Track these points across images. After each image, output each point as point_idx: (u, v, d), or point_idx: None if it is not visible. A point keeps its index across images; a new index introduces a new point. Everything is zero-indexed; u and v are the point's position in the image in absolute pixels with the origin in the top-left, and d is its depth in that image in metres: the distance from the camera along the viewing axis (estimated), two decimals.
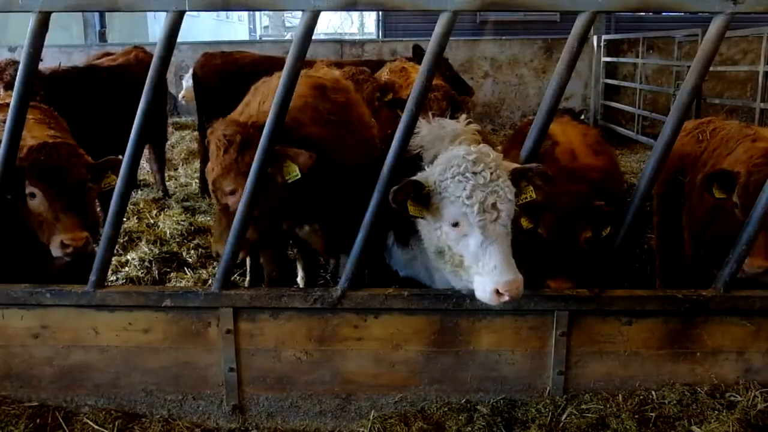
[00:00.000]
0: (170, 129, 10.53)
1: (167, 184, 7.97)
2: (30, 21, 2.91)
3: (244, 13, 35.68)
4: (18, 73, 3.01)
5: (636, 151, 10.60)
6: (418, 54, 8.11)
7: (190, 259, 5.52)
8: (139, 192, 7.71)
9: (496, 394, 3.26)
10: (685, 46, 10.48)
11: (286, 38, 28.49)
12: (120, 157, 3.37)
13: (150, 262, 5.37)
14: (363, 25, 39.18)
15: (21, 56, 3.00)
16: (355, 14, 37.03)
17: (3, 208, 3.29)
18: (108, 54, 7.73)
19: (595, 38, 12.44)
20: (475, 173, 2.76)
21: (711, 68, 3.11)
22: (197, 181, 8.09)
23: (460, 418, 3.14)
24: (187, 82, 9.86)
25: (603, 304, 3.17)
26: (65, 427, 3.17)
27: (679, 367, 3.26)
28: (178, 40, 3.00)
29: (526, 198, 2.98)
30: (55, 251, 3.31)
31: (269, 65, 5.84)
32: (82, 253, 3.29)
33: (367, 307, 3.18)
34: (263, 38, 32.52)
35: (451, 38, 2.92)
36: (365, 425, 3.17)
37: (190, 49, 12.23)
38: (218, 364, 3.27)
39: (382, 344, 3.23)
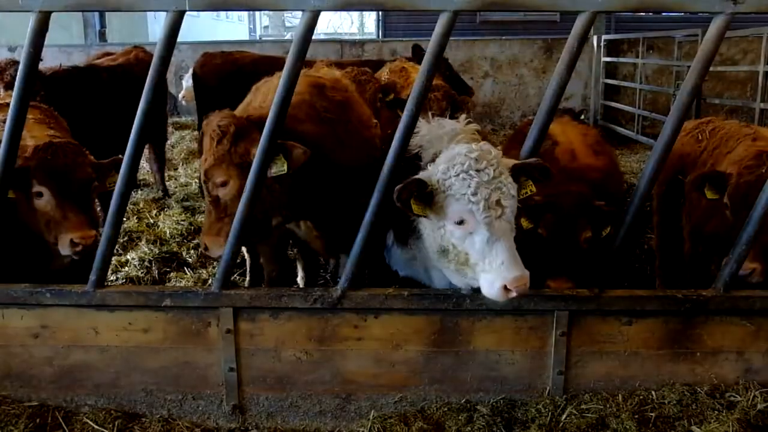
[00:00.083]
0: (170, 129, 10.54)
1: (167, 183, 7.96)
2: (30, 21, 2.91)
3: (244, 13, 35.73)
4: (18, 73, 3.00)
5: (636, 151, 10.60)
6: (417, 54, 8.11)
7: (190, 259, 5.53)
8: (139, 192, 7.71)
9: (496, 394, 3.26)
10: (685, 46, 10.48)
11: (286, 38, 28.50)
12: (120, 157, 3.38)
13: (150, 262, 5.37)
14: (363, 25, 39.20)
15: (21, 56, 3.00)
16: (355, 14, 37.04)
17: (3, 207, 3.29)
18: (108, 54, 7.73)
19: (595, 38, 12.44)
20: (478, 170, 2.77)
21: (711, 68, 3.11)
22: (197, 181, 8.07)
23: (460, 418, 3.14)
24: (187, 82, 9.87)
25: (603, 304, 3.17)
26: (65, 427, 3.17)
27: (679, 367, 3.26)
28: (178, 40, 3.00)
29: (526, 193, 2.98)
30: (64, 250, 3.33)
31: (269, 65, 5.84)
32: (90, 251, 3.30)
33: (367, 307, 3.18)
34: (263, 38, 32.53)
35: (451, 38, 2.92)
36: (365, 425, 3.17)
37: (190, 49, 12.24)
38: (218, 364, 3.27)
39: (382, 344, 3.23)
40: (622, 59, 12.42)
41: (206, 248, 3.20)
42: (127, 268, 5.26)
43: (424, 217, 2.89)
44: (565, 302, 3.15)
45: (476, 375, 3.25)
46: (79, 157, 3.47)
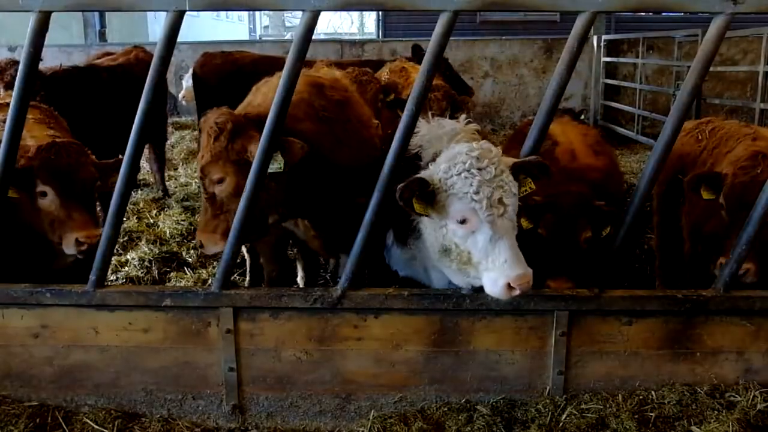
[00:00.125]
0: (170, 129, 10.54)
1: (167, 183, 7.97)
2: (30, 20, 2.91)
3: (244, 13, 35.73)
4: (18, 73, 3.00)
5: (636, 151, 10.60)
6: (417, 54, 8.12)
7: (190, 259, 5.53)
8: (139, 192, 7.71)
9: (496, 394, 3.26)
10: (685, 47, 10.48)
11: (286, 38, 28.49)
12: (120, 157, 3.38)
13: (150, 261, 5.37)
14: (363, 25, 39.20)
15: (21, 56, 3.00)
16: (355, 14, 37.04)
17: (3, 207, 3.29)
18: (108, 54, 7.73)
19: (595, 38, 12.44)
20: (480, 169, 2.78)
21: (711, 68, 3.11)
22: (197, 180, 8.08)
23: (460, 417, 3.14)
24: (187, 81, 9.87)
25: (603, 304, 3.17)
26: (65, 427, 3.17)
27: (679, 367, 3.26)
28: (178, 40, 3.00)
29: (526, 190, 2.99)
30: (69, 249, 3.34)
31: (269, 65, 5.84)
32: (94, 250, 3.31)
33: (367, 307, 3.18)
34: (263, 38, 32.54)
35: (451, 38, 2.92)
36: (365, 425, 3.17)
37: (190, 49, 12.23)
38: (218, 364, 3.27)
39: (382, 344, 3.23)
40: (622, 59, 12.42)
41: (202, 245, 3.20)
42: (127, 268, 5.26)
43: (426, 216, 2.89)
44: (565, 302, 3.16)
45: (476, 375, 3.25)
46: (82, 157, 3.49)
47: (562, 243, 3.42)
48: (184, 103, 10.81)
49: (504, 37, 13.54)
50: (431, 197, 2.83)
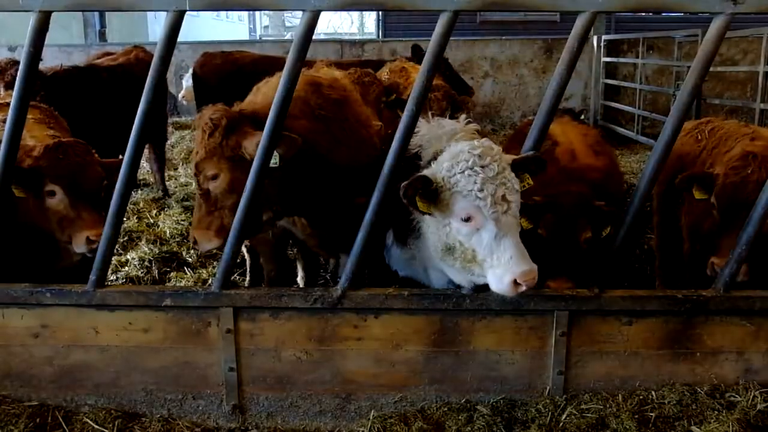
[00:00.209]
0: (170, 129, 10.53)
1: (167, 183, 7.96)
2: (30, 20, 2.91)
3: (244, 13, 35.74)
4: (18, 73, 3.00)
5: (636, 152, 10.60)
6: (417, 54, 8.12)
7: (190, 259, 5.53)
8: (139, 192, 7.71)
9: (496, 394, 3.26)
10: (685, 47, 10.48)
11: (286, 38, 28.50)
12: (121, 157, 3.39)
13: (150, 261, 5.37)
14: (363, 25, 39.21)
15: (21, 56, 3.00)
16: (355, 14, 37.05)
17: (3, 207, 3.29)
18: (108, 54, 7.73)
19: (595, 38, 12.44)
20: (483, 166, 2.79)
21: (711, 68, 3.11)
22: None
23: (460, 417, 3.14)
24: (187, 81, 9.88)
25: (603, 304, 3.17)
26: (65, 427, 3.17)
27: (679, 367, 3.26)
28: (178, 40, 3.00)
29: (525, 186, 3.00)
30: (80, 247, 3.36)
31: (269, 65, 5.85)
32: None
33: (367, 307, 3.18)
34: (263, 38, 32.55)
35: (451, 38, 2.92)
36: (365, 425, 3.17)
37: (190, 49, 12.24)
38: (218, 364, 3.27)
39: (382, 344, 3.23)
40: (622, 59, 12.42)
41: (195, 242, 3.20)
42: (127, 268, 5.26)
43: (429, 214, 2.89)
44: (565, 302, 3.16)
45: (476, 375, 3.25)
46: (89, 156, 3.52)
47: (562, 243, 3.42)
48: (184, 103, 10.82)
49: (504, 37, 13.55)
50: (434, 196, 2.84)
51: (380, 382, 3.27)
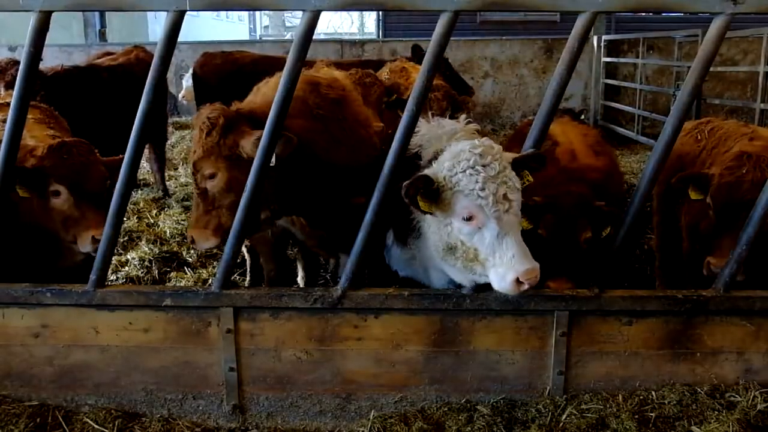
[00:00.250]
0: (170, 129, 10.53)
1: (167, 183, 7.96)
2: (31, 20, 2.91)
3: (245, 13, 35.74)
4: (18, 73, 3.01)
5: (636, 152, 10.60)
6: (417, 54, 8.12)
7: (190, 259, 5.53)
8: (139, 192, 7.71)
9: (496, 394, 3.26)
10: (685, 47, 10.49)
11: (286, 38, 28.50)
12: (121, 156, 3.39)
13: (150, 261, 5.36)
14: (363, 25, 39.21)
15: (21, 56, 3.00)
16: (355, 14, 37.04)
17: (4, 207, 3.29)
18: (108, 53, 7.74)
19: (595, 38, 12.44)
20: (484, 165, 2.80)
21: (711, 69, 3.11)
22: None
23: (460, 418, 3.14)
24: (187, 81, 9.88)
25: (603, 304, 3.17)
26: (65, 427, 3.17)
27: (679, 367, 3.26)
28: (179, 39, 3.00)
29: (524, 183, 3.00)
30: (85, 247, 3.37)
31: (269, 65, 5.85)
32: None
33: (368, 307, 3.18)
34: (263, 38, 32.55)
35: (451, 38, 2.92)
36: (365, 425, 3.17)
37: (190, 49, 12.24)
38: (218, 364, 3.27)
39: (383, 344, 3.23)
40: (622, 59, 12.42)
41: (193, 241, 3.21)
42: (127, 268, 5.26)
43: (430, 214, 2.90)
44: (566, 302, 3.16)
45: (476, 375, 3.25)
46: (92, 156, 3.54)
47: (562, 243, 3.42)
48: (184, 102, 10.82)
49: (504, 37, 13.55)
50: (435, 195, 2.84)
51: (380, 382, 3.27)
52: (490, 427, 3.07)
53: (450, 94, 5.65)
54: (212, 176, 3.13)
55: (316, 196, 3.47)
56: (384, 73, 6.39)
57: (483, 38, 13.69)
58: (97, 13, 15.68)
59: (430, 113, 3.83)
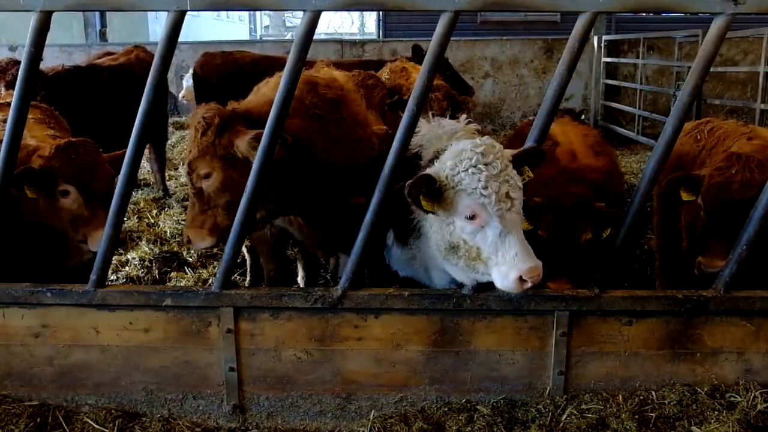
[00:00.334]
0: (170, 128, 10.53)
1: (167, 183, 7.97)
2: (31, 20, 2.91)
3: (245, 13, 35.76)
4: (19, 73, 3.01)
5: (636, 152, 10.61)
6: (417, 54, 8.12)
7: (190, 259, 5.53)
8: (140, 191, 7.72)
9: (496, 394, 3.26)
10: (685, 47, 10.49)
11: (286, 38, 28.51)
12: (123, 150, 3.39)
13: (150, 261, 5.37)
14: (363, 25, 39.22)
15: (22, 56, 3.00)
16: (356, 14, 37.05)
17: (5, 207, 3.29)
18: (109, 53, 7.74)
19: (595, 39, 12.44)
20: (486, 164, 2.80)
21: (711, 69, 3.11)
22: None
23: (461, 418, 3.14)
24: (188, 81, 9.88)
25: (603, 304, 3.17)
26: (65, 426, 3.17)
27: (679, 367, 3.26)
28: (179, 39, 3.00)
29: (524, 179, 3.01)
30: (96, 246, 3.35)
31: (269, 65, 5.86)
32: None
33: (368, 307, 3.18)
34: (264, 38, 32.56)
35: (451, 38, 2.92)
36: (365, 425, 3.17)
37: (190, 49, 12.25)
38: (219, 364, 3.27)
39: (383, 344, 3.23)
40: (622, 60, 12.43)
41: (189, 241, 3.21)
42: (127, 268, 5.26)
43: (432, 213, 2.90)
44: (566, 302, 3.16)
45: (476, 375, 3.26)
46: (98, 155, 3.54)
47: (562, 244, 3.42)
48: (184, 102, 10.82)
49: (504, 38, 13.55)
50: (438, 194, 2.85)
51: (380, 382, 3.27)
52: (490, 427, 3.07)
53: (450, 94, 5.65)
54: (207, 176, 3.13)
55: (313, 195, 3.46)
56: (384, 74, 6.39)
57: (483, 38, 13.69)
58: (97, 13, 15.69)
59: (430, 113, 3.83)
